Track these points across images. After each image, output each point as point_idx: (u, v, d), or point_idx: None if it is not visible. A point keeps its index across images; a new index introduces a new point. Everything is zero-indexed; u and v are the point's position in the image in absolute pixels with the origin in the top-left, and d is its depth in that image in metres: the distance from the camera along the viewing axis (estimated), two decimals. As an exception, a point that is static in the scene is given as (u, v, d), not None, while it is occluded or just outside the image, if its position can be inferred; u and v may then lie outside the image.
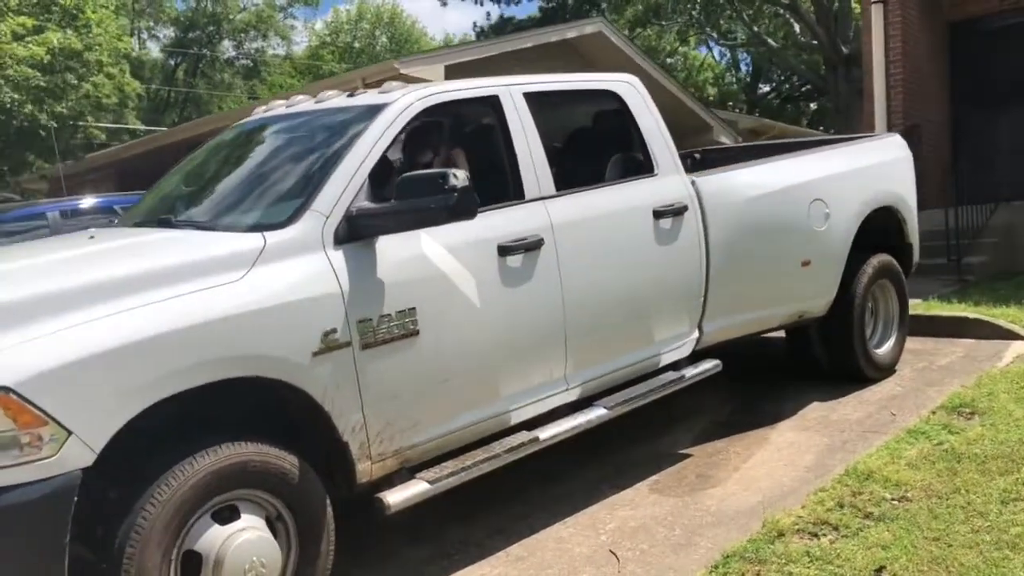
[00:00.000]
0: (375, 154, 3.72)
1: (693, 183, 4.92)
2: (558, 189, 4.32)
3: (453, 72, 14.52)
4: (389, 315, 3.51)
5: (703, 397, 5.84)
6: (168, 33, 45.35)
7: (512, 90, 4.30)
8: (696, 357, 5.02)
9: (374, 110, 3.90)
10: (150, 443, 3.04)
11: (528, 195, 4.17)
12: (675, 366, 4.89)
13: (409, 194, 3.52)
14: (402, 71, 13.80)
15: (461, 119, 4.65)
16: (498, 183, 4.22)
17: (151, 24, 44.54)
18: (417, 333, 3.60)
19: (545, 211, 4.18)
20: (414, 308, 3.59)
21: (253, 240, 3.36)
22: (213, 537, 3.09)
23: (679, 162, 4.91)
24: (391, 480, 3.68)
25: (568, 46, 16.78)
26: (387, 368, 3.53)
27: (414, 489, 3.61)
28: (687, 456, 4.91)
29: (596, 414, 4.33)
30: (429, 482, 3.65)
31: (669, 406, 5.51)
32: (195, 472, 3.03)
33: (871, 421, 5.18)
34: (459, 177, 3.47)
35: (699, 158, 7.32)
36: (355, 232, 3.51)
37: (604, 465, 4.86)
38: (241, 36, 45.34)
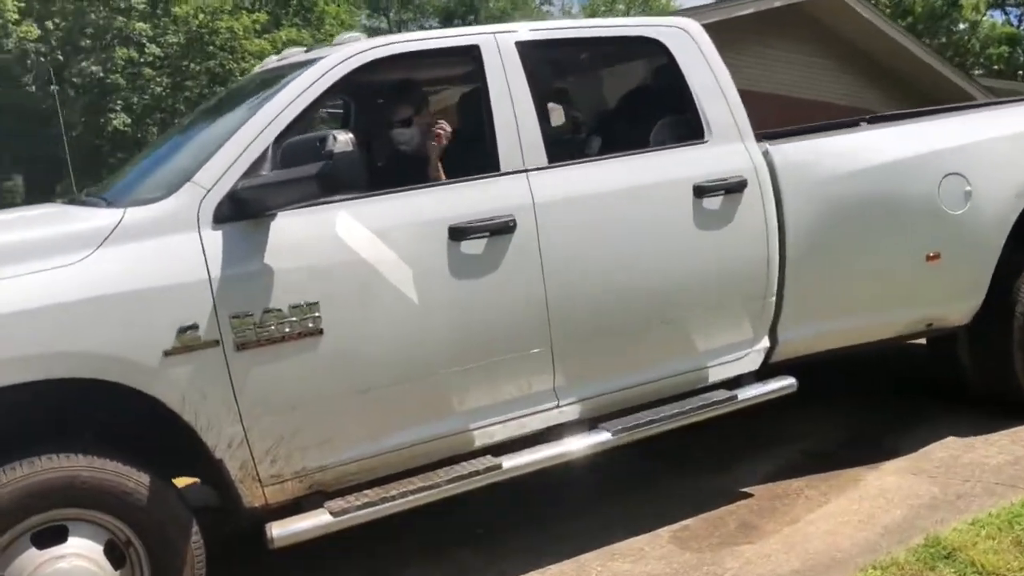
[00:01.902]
0: (283, 119, 3.07)
1: (766, 153, 3.87)
2: (555, 160, 3.49)
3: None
4: (278, 310, 2.89)
5: (808, 419, 4.71)
6: (433, 24, 47.25)
7: (500, 39, 3.50)
8: (771, 372, 3.97)
9: (301, 67, 3.28)
10: None
11: (505, 167, 3.38)
12: (736, 382, 3.89)
13: (292, 162, 2.89)
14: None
15: (429, 75, 3.90)
16: (470, 152, 3.47)
17: (416, 16, 46.50)
18: (320, 332, 2.95)
19: (526, 186, 3.36)
20: (316, 303, 2.94)
21: (107, 217, 2.87)
22: (24, 562, 2.64)
23: (747, 127, 3.87)
24: (301, 508, 3.08)
25: (798, 12, 15.23)
26: (276, 373, 2.91)
27: (309, 521, 2.98)
28: (743, 496, 3.90)
29: (594, 440, 3.46)
30: (333, 513, 3.00)
31: (754, 429, 4.49)
32: (1, 486, 2.59)
33: (1014, 470, 3.88)
34: (339, 140, 2.79)
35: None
36: (239, 209, 2.91)
37: (631, 499, 3.96)
38: (494, 22, 46.15)
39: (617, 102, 4.51)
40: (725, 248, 3.70)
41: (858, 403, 5.00)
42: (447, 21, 44.95)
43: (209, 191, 2.92)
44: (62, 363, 2.65)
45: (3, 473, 2.61)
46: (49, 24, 14.17)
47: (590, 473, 3.75)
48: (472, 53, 3.47)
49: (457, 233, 3.17)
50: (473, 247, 3.21)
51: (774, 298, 3.86)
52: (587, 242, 3.43)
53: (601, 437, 3.47)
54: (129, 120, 14.66)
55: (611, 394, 3.58)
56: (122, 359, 2.70)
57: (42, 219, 3.17)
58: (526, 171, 3.39)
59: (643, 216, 3.55)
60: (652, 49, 3.91)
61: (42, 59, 14.33)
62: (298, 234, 2.97)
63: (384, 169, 3.69)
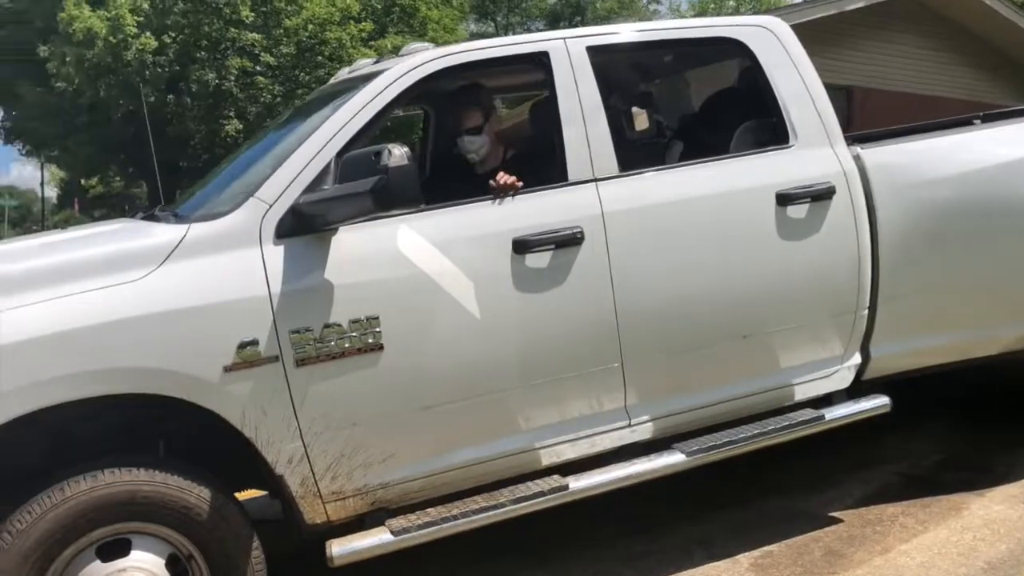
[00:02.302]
0: (345, 133, 3.04)
1: (857, 157, 3.64)
2: (632, 167, 3.36)
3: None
4: (338, 325, 2.86)
5: (907, 438, 4.43)
6: (539, 26, 47.31)
7: (570, 45, 3.39)
8: (864, 390, 3.74)
9: (364, 80, 3.25)
10: (22, 462, 2.70)
11: (573, 176, 3.26)
12: (825, 400, 3.67)
13: (351, 176, 2.85)
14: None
15: (497, 83, 3.78)
16: (539, 162, 3.37)
17: (523, 19, 46.64)
18: (380, 348, 2.90)
19: (595, 196, 3.24)
20: (376, 317, 2.89)
21: (171, 233, 2.89)
22: (89, 574, 2.68)
23: (836, 131, 3.64)
24: (364, 524, 3.05)
25: (912, 2, 14.59)
26: (336, 389, 2.88)
27: (370, 540, 2.94)
28: (832, 522, 3.68)
29: (667, 461, 3.31)
30: (393, 532, 2.95)
31: (848, 448, 4.26)
32: (64, 500, 2.63)
33: None
34: (394, 154, 2.73)
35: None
36: (300, 224, 2.89)
37: (715, 520, 3.79)
38: (604, 23, 45.84)
39: (698, 107, 4.33)
40: (811, 259, 3.50)
41: (962, 421, 4.67)
42: (553, 24, 44.93)
43: (271, 206, 2.91)
44: (124, 379, 2.68)
45: (67, 487, 2.65)
46: (166, 38, 14.76)
47: (667, 490, 3.59)
48: (541, 60, 3.37)
49: (521, 245, 3.08)
50: (538, 259, 3.11)
51: (866, 312, 3.63)
52: (659, 254, 3.29)
53: (675, 458, 3.31)
54: (241, 127, 15.13)
55: (687, 413, 3.42)
56: (182, 375, 2.72)
57: (112, 235, 3.22)
58: (595, 180, 3.26)
59: (720, 226, 3.38)
60: (734, 50, 3.73)
61: (160, 70, 14.96)
62: (359, 248, 2.93)
63: (452, 180, 3.62)
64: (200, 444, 3.00)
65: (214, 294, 2.78)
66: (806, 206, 3.48)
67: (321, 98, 3.66)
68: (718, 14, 46.78)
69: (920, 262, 3.67)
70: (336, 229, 2.91)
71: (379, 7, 17.82)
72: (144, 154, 16.46)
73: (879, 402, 3.64)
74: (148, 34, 14.86)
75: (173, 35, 14.99)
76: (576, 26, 45.22)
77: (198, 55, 15.24)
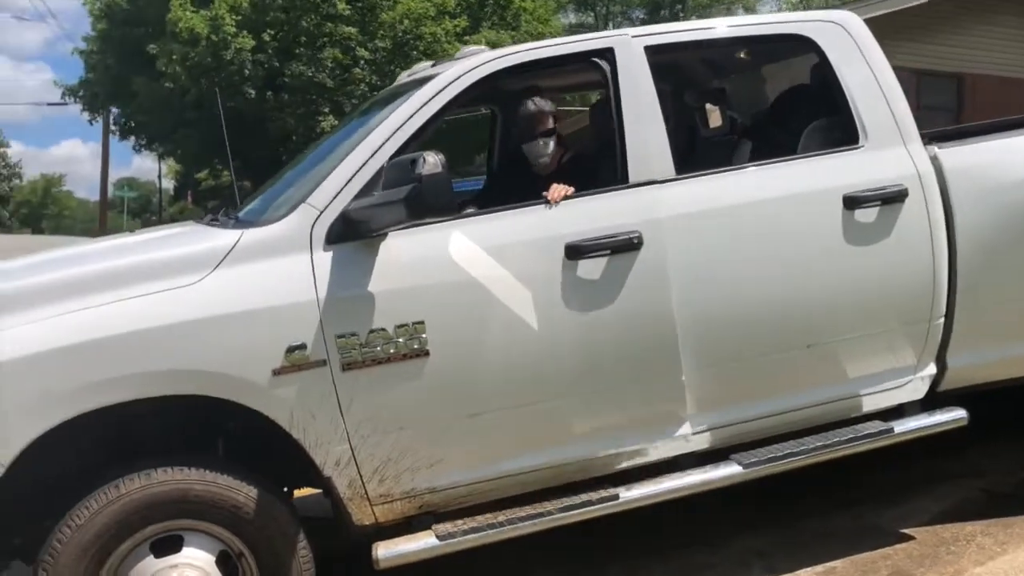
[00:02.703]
0: (397, 139, 3.05)
1: (934, 158, 3.46)
2: (695, 168, 3.29)
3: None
4: (383, 330, 2.87)
5: (994, 453, 4.21)
6: (639, 15, 46.79)
7: (629, 44, 3.32)
8: (941, 401, 3.57)
9: (418, 85, 3.25)
10: (79, 459, 2.81)
11: (632, 178, 3.20)
12: (898, 412, 3.51)
13: (392, 183, 2.85)
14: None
15: (553, 84, 3.71)
16: (596, 164, 3.32)
17: (623, 8, 46.20)
18: (427, 354, 2.91)
19: (653, 200, 3.17)
20: (422, 322, 2.90)
21: (226, 238, 2.96)
22: (142, 569, 2.77)
23: (911, 129, 3.47)
24: (412, 527, 3.07)
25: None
26: (382, 394, 2.90)
27: (416, 544, 2.95)
28: (904, 539, 3.52)
29: (723, 473, 3.22)
30: (439, 537, 2.96)
31: (930, 460, 4.07)
32: (119, 496, 2.73)
33: None
34: (428, 162, 2.72)
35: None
36: (350, 230, 2.91)
37: (779, 532, 3.68)
38: (706, 12, 44.99)
39: (768, 105, 4.19)
40: (881, 265, 3.34)
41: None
42: (654, 13, 44.44)
43: (322, 212, 2.95)
44: (176, 381, 2.76)
45: (123, 484, 2.74)
46: (265, 35, 15.18)
47: (730, 500, 3.50)
48: (597, 60, 3.31)
49: (575, 251, 3.03)
50: (592, 266, 3.05)
51: (941, 320, 3.46)
52: (719, 259, 3.20)
53: (731, 470, 3.22)
54: (337, 122, 15.45)
55: (747, 423, 3.32)
56: (232, 377, 2.78)
57: (170, 240, 3.32)
58: (653, 183, 3.19)
59: (781, 231, 3.26)
60: (803, 47, 3.60)
61: (260, 67, 15.40)
62: (407, 253, 2.94)
63: (514, 182, 3.59)
64: (258, 444, 3.06)
65: (263, 298, 2.83)
66: (876, 209, 3.32)
67: (379, 102, 3.69)
68: (826, 4, 45.52)
69: (1002, 269, 3.48)
70: (385, 235, 2.92)
71: (474, 1, 17.88)
72: (247, 149, 16.99)
73: (955, 415, 3.46)
74: (246, 33, 15.30)
75: (272, 32, 15.41)
76: (677, 16, 44.74)
77: (296, 51, 15.62)
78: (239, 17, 15.42)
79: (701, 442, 3.28)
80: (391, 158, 3.02)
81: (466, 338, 2.95)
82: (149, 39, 16.27)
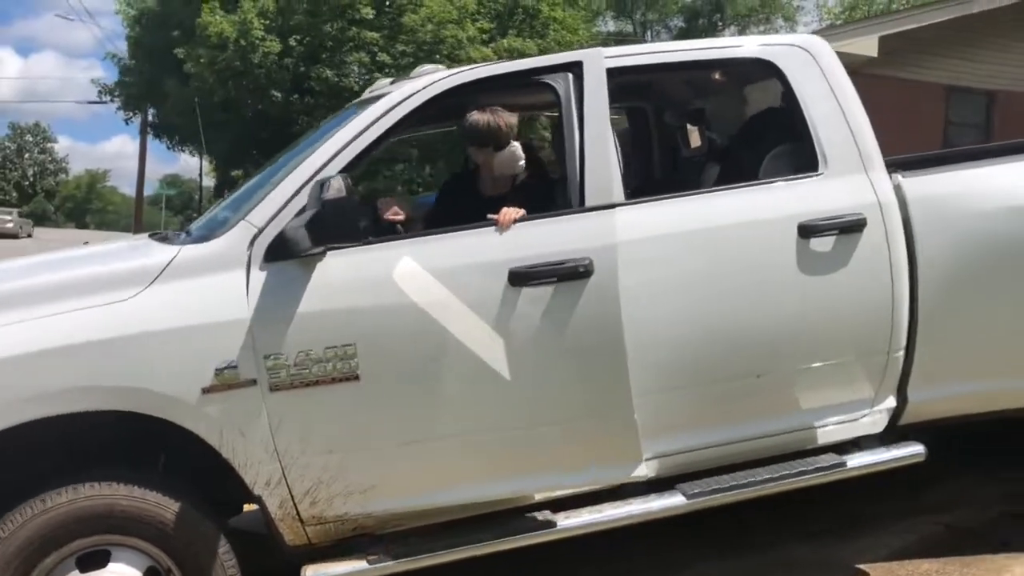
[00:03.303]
0: (343, 158, 3.05)
1: (898, 187, 3.38)
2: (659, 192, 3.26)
3: (889, 45, 12.58)
4: (312, 351, 2.86)
5: (964, 487, 4.10)
6: (677, 23, 46.58)
7: (587, 65, 3.27)
8: (903, 435, 3.48)
9: (365, 105, 3.24)
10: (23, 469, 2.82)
11: (589, 202, 3.14)
12: (856, 445, 3.43)
13: (313, 205, 2.83)
14: (822, 46, 12.22)
15: (509, 104, 3.64)
16: (554, 186, 3.28)
17: (659, 16, 45.99)
18: (357, 378, 2.89)
19: (606, 225, 3.11)
20: (353, 345, 2.88)
21: (164, 254, 2.97)
22: (67, 584, 2.78)
23: (874, 157, 3.39)
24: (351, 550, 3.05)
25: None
26: (311, 416, 2.88)
27: (344, 567, 2.93)
28: (858, 575, 3.44)
29: (666, 503, 3.16)
30: (370, 561, 2.94)
31: (898, 493, 3.98)
32: (45, 510, 2.74)
33: None
34: (331, 187, 2.71)
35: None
36: (284, 249, 2.90)
37: (734, 563, 3.62)
38: (745, 20, 44.67)
39: (733, 130, 4.13)
40: (838, 296, 3.27)
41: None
42: (692, 20, 44.20)
43: (261, 231, 2.94)
44: (103, 396, 2.76)
45: (49, 499, 2.75)
46: (292, 41, 15.32)
47: (687, 527, 3.44)
48: (552, 81, 3.27)
49: (518, 278, 2.99)
50: (536, 294, 3.00)
51: (901, 353, 3.37)
52: (671, 287, 3.14)
53: (673, 501, 3.16)
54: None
55: (696, 451, 3.26)
56: (159, 395, 2.78)
57: (111, 255, 3.34)
58: (608, 207, 3.13)
59: (735, 259, 3.20)
60: (766, 72, 3.53)
61: (285, 71, 15.56)
62: (341, 274, 2.92)
63: (464, 205, 3.55)
64: (202, 460, 3.06)
65: (195, 316, 2.83)
66: (832, 239, 3.25)
67: (331, 121, 3.68)
68: (867, 12, 44.82)
69: (966, 302, 3.39)
70: (324, 254, 2.91)
71: (501, 8, 17.88)
72: (274, 151, 17.11)
73: (911, 451, 3.38)
74: (273, 38, 15.46)
75: (299, 37, 15.55)
76: (716, 26, 44.48)
77: (323, 56, 15.75)
78: (266, 21, 15.59)
79: (648, 470, 3.22)
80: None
81: (400, 364, 2.91)
82: (180, 43, 16.49)
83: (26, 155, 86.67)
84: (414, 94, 3.15)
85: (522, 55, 17.43)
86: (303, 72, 15.47)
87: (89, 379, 2.75)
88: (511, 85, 3.43)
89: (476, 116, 3.36)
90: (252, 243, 2.93)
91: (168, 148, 22.94)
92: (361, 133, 3.09)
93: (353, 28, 15.60)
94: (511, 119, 3.38)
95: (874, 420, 3.42)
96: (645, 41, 45.45)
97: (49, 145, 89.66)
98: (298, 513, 2.95)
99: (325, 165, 3.03)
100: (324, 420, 2.89)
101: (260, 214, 2.98)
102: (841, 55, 11.49)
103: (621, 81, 3.39)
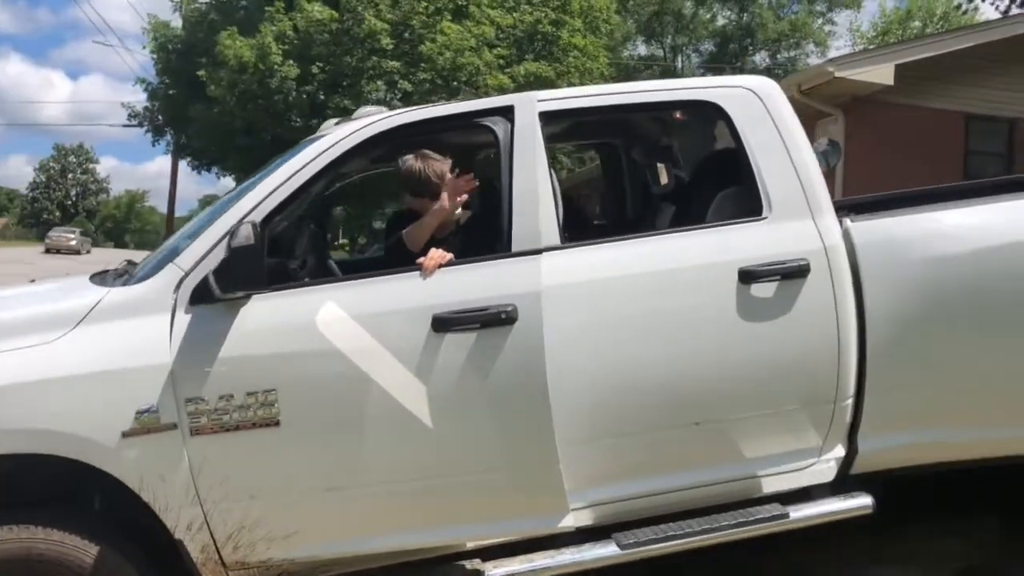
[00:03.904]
0: (271, 201, 3.06)
1: (846, 232, 3.31)
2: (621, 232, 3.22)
3: (906, 72, 12.42)
4: (232, 396, 2.85)
5: (928, 533, 3.99)
6: (708, 47, 46.52)
7: (529, 107, 3.26)
8: (857, 484, 3.39)
9: (300, 147, 3.25)
10: None
11: (517, 246, 3.12)
12: (805, 494, 3.35)
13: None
14: (838, 75, 12.14)
15: (444, 150, 3.63)
16: (481, 231, 3.26)
17: (689, 40, 45.94)
18: (277, 424, 2.87)
19: (534, 270, 3.08)
20: (273, 391, 2.86)
21: (91, 296, 2.98)
22: (-17, 633, 2.78)
23: (821, 202, 3.33)
24: (277, 594, 3.02)
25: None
26: (232, 461, 2.87)
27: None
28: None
29: (598, 552, 3.10)
30: (278, 610, 2.91)
31: (858, 541, 3.87)
32: (-42, 554, 2.75)
33: None
34: (240, 234, 2.71)
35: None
36: (206, 293, 2.90)
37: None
38: (775, 45, 44.47)
39: (685, 173, 4.08)
40: (780, 343, 3.20)
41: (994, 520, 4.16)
42: (723, 45, 44.07)
43: (188, 274, 2.95)
44: (24, 439, 2.77)
45: (-39, 541, 2.76)
46: (313, 69, 15.50)
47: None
48: (491, 124, 3.26)
49: (440, 324, 2.96)
50: (459, 341, 2.96)
51: (849, 402, 3.29)
52: (602, 333, 3.09)
53: (607, 551, 3.10)
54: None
55: (631, 500, 3.20)
56: (80, 438, 2.78)
57: (40, 296, 3.37)
58: (539, 251, 3.10)
59: (671, 304, 3.15)
60: (712, 114, 3.49)
61: (303, 96, 15.74)
62: (263, 318, 2.91)
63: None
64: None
65: (116, 359, 2.83)
66: (774, 284, 3.19)
67: (281, 158, 3.69)
68: (901, 36, 44.32)
69: (921, 351, 3.30)
70: (248, 298, 2.90)
71: (521, 35, 17.95)
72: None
73: (858, 503, 3.29)
74: (291, 62, 15.66)
75: (320, 65, 15.73)
76: (746, 50, 44.33)
77: (343, 84, 15.92)
78: (285, 46, 15.81)
79: (581, 519, 3.17)
80: (263, 220, 3.01)
81: (322, 410, 2.89)
82: (204, 67, 16.76)
83: (69, 175, 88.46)
84: (346, 137, 3.15)
85: (539, 80, 17.52)
86: (323, 100, 15.63)
87: (7, 422, 2.75)
88: (448, 128, 3.41)
89: (408, 164, 3.36)
90: (178, 286, 2.93)
91: (193, 170, 23.26)
92: (291, 177, 3.10)
93: (373, 57, 15.73)
94: (442, 167, 3.36)
95: (822, 470, 3.34)
96: (675, 66, 45.72)
97: (91, 166, 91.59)
98: (221, 558, 2.93)
99: (253, 209, 3.03)
100: (245, 465, 2.87)
101: (188, 257, 2.99)
102: (857, 83, 11.40)
103: (587, 119, 3.37)
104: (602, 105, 3.43)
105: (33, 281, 4.10)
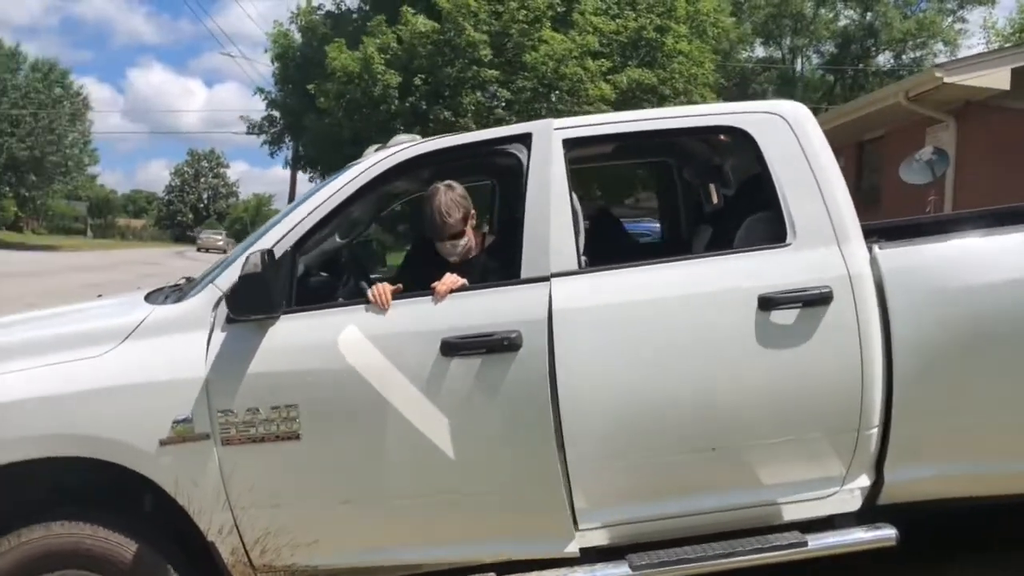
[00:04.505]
0: (304, 225, 3.26)
1: (873, 260, 3.27)
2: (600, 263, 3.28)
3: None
4: (258, 410, 3.05)
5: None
6: (829, 49, 45.18)
7: (546, 135, 3.35)
8: (885, 515, 3.34)
9: (335, 175, 3.43)
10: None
11: (527, 272, 3.21)
12: (828, 523, 3.32)
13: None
14: (947, 80, 11.71)
15: (469, 174, 3.72)
16: (501, 255, 3.36)
17: (809, 41, 44.71)
18: (297, 437, 3.05)
19: (541, 297, 3.16)
20: (295, 406, 3.04)
21: (138, 314, 3.23)
22: (35, 613, 3.06)
23: (848, 228, 3.29)
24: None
25: None
26: (258, 471, 3.08)
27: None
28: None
29: (610, 572, 3.15)
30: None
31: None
32: (20, 544, 3.03)
33: None
34: (249, 262, 2.91)
35: None
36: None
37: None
38: (900, 46, 42.82)
39: (716, 198, 4.08)
40: (800, 370, 3.19)
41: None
42: (844, 46, 42.71)
43: (226, 293, 3.16)
44: (73, 444, 3.05)
45: (24, 533, 3.04)
46: (416, 80, 15.91)
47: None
48: (508, 152, 3.36)
49: (450, 348, 3.07)
50: (465, 365, 3.07)
51: (874, 431, 3.25)
52: (611, 356, 3.14)
53: (620, 571, 3.15)
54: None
55: (647, 522, 3.24)
56: (122, 444, 3.04)
57: (95, 313, 3.64)
58: (545, 279, 3.19)
59: (686, 330, 3.18)
60: (740, 140, 3.49)
61: (406, 105, 16.18)
62: (289, 337, 3.10)
63: (427, 270, 3.65)
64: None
65: (157, 373, 3.08)
66: (795, 312, 3.18)
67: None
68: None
69: (950, 380, 3.23)
70: (277, 317, 3.10)
71: (625, 41, 17.90)
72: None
73: (880, 534, 3.24)
74: (392, 72, 16.10)
75: (423, 76, 16.11)
76: (868, 52, 42.81)
77: (444, 94, 16.26)
78: (387, 56, 16.28)
79: (597, 538, 3.24)
80: (295, 244, 3.21)
81: (339, 426, 3.07)
82: (315, 78, 17.44)
83: (202, 179, 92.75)
84: (372, 166, 3.32)
85: (642, 87, 17.47)
86: (424, 110, 16.00)
87: (56, 427, 3.04)
88: (469, 156, 3.52)
89: (433, 204, 3.46)
90: (216, 306, 3.15)
91: (310, 180, 24.15)
92: (321, 204, 3.29)
93: (473, 68, 16.03)
94: (458, 214, 3.45)
95: (844, 499, 3.31)
96: (793, 68, 44.63)
97: (222, 170, 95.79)
98: (250, 560, 3.13)
99: (287, 235, 3.24)
100: (270, 475, 3.07)
101: (226, 277, 3.20)
102: (970, 88, 10.94)
103: (639, 141, 3.40)
104: (632, 131, 3.49)
105: (100, 296, 4.43)
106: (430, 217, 3.45)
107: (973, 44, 44.76)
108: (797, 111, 3.44)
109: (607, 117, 3.56)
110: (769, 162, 3.36)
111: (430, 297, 3.17)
